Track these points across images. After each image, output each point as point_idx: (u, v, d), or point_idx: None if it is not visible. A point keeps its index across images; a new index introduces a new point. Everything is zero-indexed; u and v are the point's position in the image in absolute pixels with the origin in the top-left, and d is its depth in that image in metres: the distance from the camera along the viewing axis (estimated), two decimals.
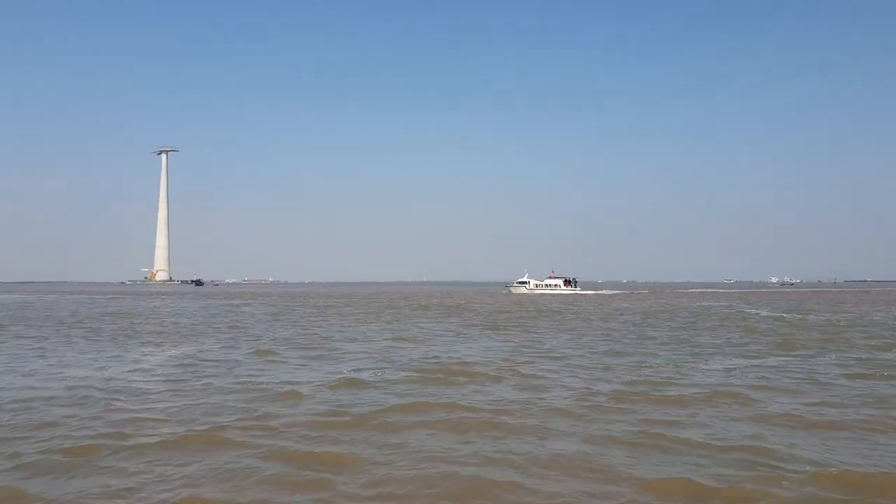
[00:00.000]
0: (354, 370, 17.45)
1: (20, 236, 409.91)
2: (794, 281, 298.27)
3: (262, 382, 15.37)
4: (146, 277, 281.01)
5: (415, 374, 16.70)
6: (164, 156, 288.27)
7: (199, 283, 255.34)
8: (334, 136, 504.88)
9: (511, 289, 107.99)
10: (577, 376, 16.48)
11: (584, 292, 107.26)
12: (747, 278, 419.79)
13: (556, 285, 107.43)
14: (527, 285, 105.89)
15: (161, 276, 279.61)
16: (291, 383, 15.15)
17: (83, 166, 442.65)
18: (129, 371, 17.74)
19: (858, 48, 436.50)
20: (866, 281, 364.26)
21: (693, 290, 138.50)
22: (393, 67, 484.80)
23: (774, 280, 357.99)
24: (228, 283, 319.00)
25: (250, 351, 22.20)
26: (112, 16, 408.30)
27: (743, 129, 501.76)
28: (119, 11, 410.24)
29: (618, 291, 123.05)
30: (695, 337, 27.63)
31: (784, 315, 43.48)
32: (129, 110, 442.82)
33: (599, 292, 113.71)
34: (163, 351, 22.66)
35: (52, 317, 42.50)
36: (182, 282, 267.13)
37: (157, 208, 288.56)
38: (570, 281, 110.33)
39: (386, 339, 26.51)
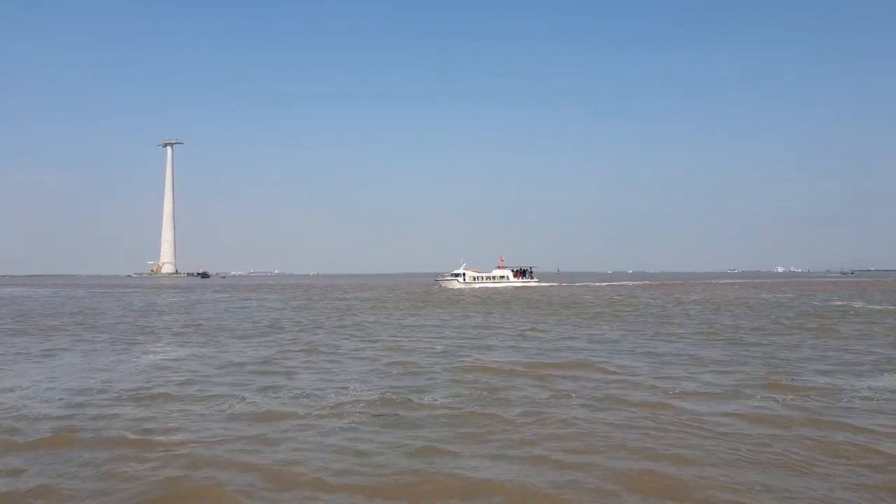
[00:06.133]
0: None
1: (27, 230, 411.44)
2: (848, 271, 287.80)
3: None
4: (152, 270, 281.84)
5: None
6: (169, 148, 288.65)
7: (205, 275, 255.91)
8: (336, 130, 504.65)
9: (442, 282, 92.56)
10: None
11: (533, 284, 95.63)
12: (751, 268, 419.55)
13: (502, 277, 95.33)
14: (460, 278, 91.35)
15: (167, 268, 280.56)
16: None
17: (88, 160, 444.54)
18: None
19: (869, 39, 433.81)
20: (870, 270, 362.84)
21: (717, 281, 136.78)
22: (395, 62, 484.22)
23: (780, 270, 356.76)
24: (234, 276, 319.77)
25: None
26: (119, 11, 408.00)
27: (745, 120, 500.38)
28: (126, 6, 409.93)
29: (566, 284, 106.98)
30: None
31: None
32: (135, 104, 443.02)
33: (551, 284, 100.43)
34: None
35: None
36: (188, 274, 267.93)
37: (163, 201, 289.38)
38: (522, 271, 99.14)
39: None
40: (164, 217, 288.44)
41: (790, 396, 12.47)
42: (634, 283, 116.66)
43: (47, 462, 8.81)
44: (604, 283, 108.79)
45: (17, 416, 11.32)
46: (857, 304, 44.14)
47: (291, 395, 13.04)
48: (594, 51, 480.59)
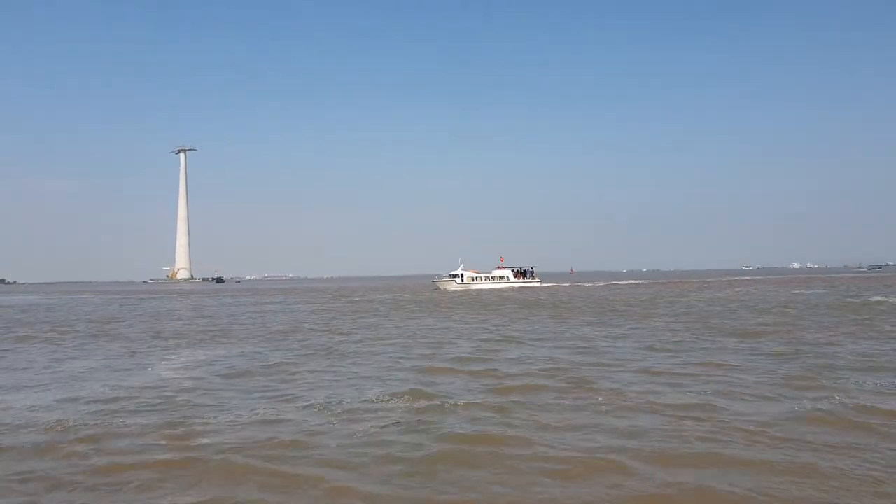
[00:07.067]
0: None
1: (42, 237, 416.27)
2: (868, 266, 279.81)
3: None
4: (168, 276, 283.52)
5: None
6: (182, 155, 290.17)
7: (220, 280, 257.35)
8: (351, 132, 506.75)
9: (439, 284, 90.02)
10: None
11: (534, 284, 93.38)
12: (768, 265, 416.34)
13: (502, 277, 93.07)
14: (458, 279, 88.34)
15: (182, 274, 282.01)
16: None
17: (102, 167, 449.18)
18: None
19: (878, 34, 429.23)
20: (888, 265, 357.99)
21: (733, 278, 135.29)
22: (403, 63, 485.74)
23: (797, 266, 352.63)
24: (249, 280, 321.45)
25: None
26: (130, 16, 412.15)
27: (756, 117, 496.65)
28: (136, 11, 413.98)
29: (574, 284, 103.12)
30: None
31: None
32: (148, 110, 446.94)
33: (552, 284, 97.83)
34: None
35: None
36: (203, 279, 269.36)
37: (177, 207, 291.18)
38: (523, 272, 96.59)
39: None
40: (179, 223, 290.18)
41: None
42: (649, 281, 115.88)
43: (94, 461, 8.91)
44: (622, 282, 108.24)
45: (49, 420, 11.43)
46: None
47: (325, 397, 13.09)
48: (601, 49, 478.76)
